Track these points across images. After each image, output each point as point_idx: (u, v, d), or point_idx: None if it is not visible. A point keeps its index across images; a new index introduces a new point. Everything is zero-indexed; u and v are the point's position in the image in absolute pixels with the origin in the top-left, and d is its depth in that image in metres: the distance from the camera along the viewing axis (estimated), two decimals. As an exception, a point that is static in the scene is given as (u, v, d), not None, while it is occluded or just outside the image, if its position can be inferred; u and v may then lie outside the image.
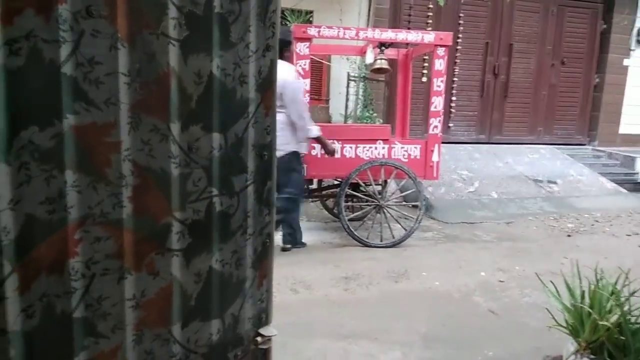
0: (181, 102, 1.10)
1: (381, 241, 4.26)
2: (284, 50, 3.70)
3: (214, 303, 1.23)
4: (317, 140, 4.00)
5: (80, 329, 1.03)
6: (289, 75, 3.66)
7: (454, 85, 7.36)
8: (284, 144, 3.60)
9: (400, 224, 4.37)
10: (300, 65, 4.11)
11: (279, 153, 3.67)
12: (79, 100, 0.97)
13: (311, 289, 3.28)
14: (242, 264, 1.28)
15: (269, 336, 1.35)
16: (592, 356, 1.92)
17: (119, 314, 1.07)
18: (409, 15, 6.89)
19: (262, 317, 1.36)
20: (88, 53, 0.97)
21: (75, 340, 1.03)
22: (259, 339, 1.34)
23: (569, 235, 4.81)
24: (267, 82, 1.27)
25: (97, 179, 1.00)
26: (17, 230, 0.93)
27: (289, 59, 3.87)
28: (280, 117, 3.59)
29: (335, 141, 4.17)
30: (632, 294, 1.95)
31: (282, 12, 6.45)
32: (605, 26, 7.91)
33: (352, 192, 4.27)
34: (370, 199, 4.34)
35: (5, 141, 0.90)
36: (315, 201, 5.47)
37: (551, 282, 2.20)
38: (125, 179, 1.03)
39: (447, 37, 4.28)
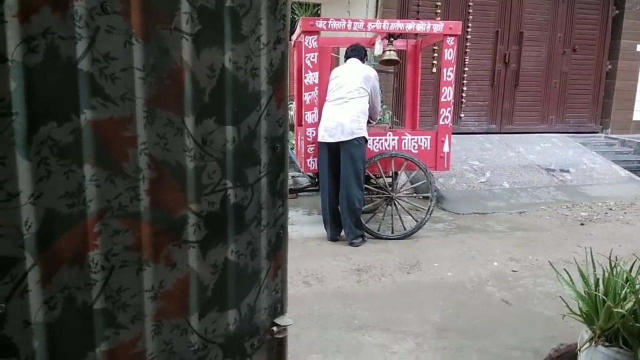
0: (195, 96, 1.11)
1: (392, 233, 4.26)
2: (365, 56, 4.37)
3: (230, 293, 1.25)
4: None
5: (100, 320, 1.05)
6: (372, 72, 4.17)
7: (464, 75, 7.31)
8: (358, 129, 3.92)
9: (411, 216, 4.37)
10: (308, 59, 4.11)
11: (352, 136, 3.86)
12: (96, 95, 0.98)
13: (323, 281, 3.30)
14: (256, 255, 1.29)
15: (285, 326, 1.36)
16: (606, 344, 1.91)
17: (138, 305, 1.09)
18: (418, 5, 6.84)
19: (278, 307, 1.37)
20: (103, 49, 0.98)
21: (96, 331, 1.05)
22: (274, 328, 1.35)
23: (582, 224, 4.77)
24: (279, 75, 1.28)
25: (115, 172, 1.02)
26: (38, 224, 0.95)
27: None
28: (361, 106, 3.91)
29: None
30: (647, 281, 1.94)
31: (291, 5, 6.43)
32: (617, 12, 7.79)
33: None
34: (380, 191, 4.34)
35: (25, 137, 0.92)
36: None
37: (565, 270, 2.20)
38: (142, 172, 1.05)
39: (456, 26, 4.25)
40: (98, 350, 1.06)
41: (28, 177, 0.93)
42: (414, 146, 4.38)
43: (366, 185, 4.22)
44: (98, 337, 1.06)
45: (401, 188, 4.53)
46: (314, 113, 4.21)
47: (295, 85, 4.98)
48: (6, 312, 0.94)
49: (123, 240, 1.05)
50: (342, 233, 4.15)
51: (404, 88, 5.92)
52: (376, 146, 4.30)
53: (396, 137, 4.35)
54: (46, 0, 0.93)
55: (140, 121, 1.03)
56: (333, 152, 4.01)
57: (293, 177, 5.82)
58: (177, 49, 1.07)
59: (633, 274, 2.00)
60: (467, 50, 7.27)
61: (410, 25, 4.29)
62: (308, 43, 4.09)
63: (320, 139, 4.07)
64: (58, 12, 0.94)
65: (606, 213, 5.16)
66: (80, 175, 0.98)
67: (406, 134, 4.43)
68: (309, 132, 4.23)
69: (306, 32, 4.09)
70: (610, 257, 2.07)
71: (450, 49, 4.26)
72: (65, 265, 0.99)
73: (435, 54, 6.64)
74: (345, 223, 4.05)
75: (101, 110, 0.99)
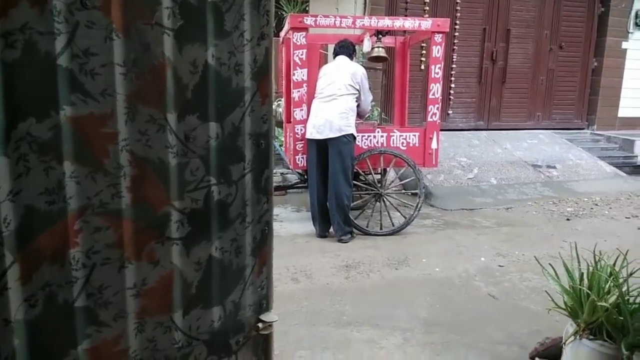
0: (177, 92, 1.11)
1: (381, 229, 4.28)
2: (353, 53, 4.35)
3: (215, 290, 1.24)
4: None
5: (82, 318, 1.05)
6: (360, 70, 4.15)
7: (452, 72, 7.34)
8: (346, 126, 3.91)
9: (399, 212, 4.38)
10: (297, 55, 4.10)
11: (340, 133, 3.86)
12: (76, 91, 0.97)
13: (312, 277, 3.31)
14: (241, 252, 1.29)
15: (270, 322, 1.36)
16: (591, 337, 1.94)
17: (120, 303, 1.08)
18: (406, 2, 6.84)
19: (263, 304, 1.37)
20: (83, 44, 0.97)
21: (78, 329, 1.05)
22: (260, 325, 1.35)
23: (568, 219, 4.83)
24: (263, 71, 1.27)
25: (96, 169, 1.01)
26: (18, 221, 0.94)
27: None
28: (350, 103, 3.93)
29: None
30: (630, 274, 1.97)
31: (278, 1, 6.41)
32: (602, 9, 7.87)
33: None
34: (369, 187, 4.35)
35: (3, 133, 0.91)
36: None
37: (550, 265, 2.22)
38: (123, 169, 1.04)
39: (444, 23, 4.27)
40: (80, 348, 1.05)
41: (6, 174, 0.92)
42: (403, 143, 4.40)
43: (355, 182, 4.23)
44: (80, 335, 1.05)
45: (390, 184, 4.54)
46: (302, 110, 4.20)
47: (283, 82, 4.97)
48: (-15, 311, 0.93)
49: (104, 237, 1.04)
50: (331, 230, 4.16)
51: (392, 85, 5.93)
52: (365, 143, 4.31)
53: (385, 134, 4.36)
54: (24, -6, 0.91)
55: (121, 117, 1.03)
56: (321, 149, 4.01)
57: (282, 174, 5.81)
58: (159, 44, 1.07)
59: (617, 268, 2.03)
60: (454, 47, 7.30)
61: (399, 22, 4.30)
62: (296, 40, 4.08)
63: (308, 136, 4.07)
64: (36, 7, 0.93)
65: (592, 208, 5.23)
66: (60, 172, 0.97)
67: (395, 130, 4.44)
68: (297, 129, 4.22)
69: (294, 29, 4.07)
70: (594, 251, 2.10)
71: (438, 46, 4.28)
72: (45, 263, 0.98)
73: (424, 51, 6.66)
74: (333, 220, 4.06)
75: (81, 106, 0.98)
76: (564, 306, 2.09)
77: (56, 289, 1.00)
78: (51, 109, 0.95)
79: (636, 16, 7.83)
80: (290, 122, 4.48)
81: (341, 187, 3.95)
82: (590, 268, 2.07)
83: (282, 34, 4.79)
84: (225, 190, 1.23)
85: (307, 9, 6.55)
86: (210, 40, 1.15)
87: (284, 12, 6.00)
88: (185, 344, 1.20)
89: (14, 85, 0.91)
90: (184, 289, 1.18)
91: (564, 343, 2.05)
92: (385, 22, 4.29)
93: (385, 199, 4.34)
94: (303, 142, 4.22)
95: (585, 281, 2.06)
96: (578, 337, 1.98)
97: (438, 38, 4.27)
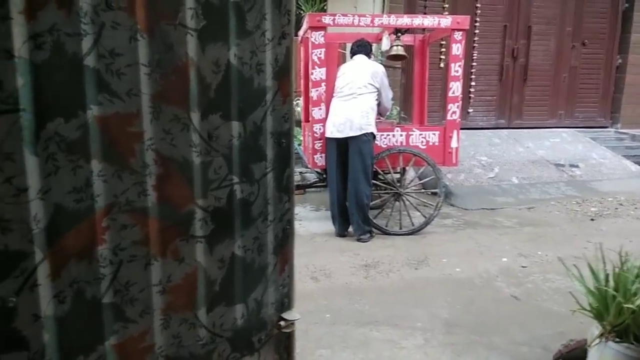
0: (200, 92, 1.12)
1: (400, 229, 4.25)
2: (370, 52, 4.35)
3: (238, 288, 1.25)
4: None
5: (109, 314, 1.07)
6: (380, 68, 4.14)
7: (473, 70, 7.26)
8: (366, 125, 3.90)
9: (419, 212, 4.35)
10: (316, 55, 4.10)
11: (360, 131, 3.84)
12: (102, 91, 0.99)
13: (331, 277, 3.31)
14: (263, 250, 1.30)
15: (292, 320, 1.37)
16: (617, 339, 1.90)
17: (146, 299, 1.10)
18: None
19: (285, 302, 1.38)
20: (109, 45, 0.99)
21: (105, 325, 1.07)
22: (282, 323, 1.36)
23: (592, 220, 4.73)
24: (284, 70, 1.28)
25: (122, 168, 1.03)
26: (47, 219, 0.96)
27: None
28: (370, 102, 3.90)
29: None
30: (658, 276, 1.92)
31: (297, 0, 6.42)
32: (627, 5, 7.68)
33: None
34: (388, 186, 4.33)
35: (32, 133, 0.93)
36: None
37: (574, 266, 2.18)
38: (148, 167, 1.06)
39: (464, 20, 4.22)
40: (107, 343, 1.07)
41: (36, 173, 0.94)
42: (422, 142, 4.36)
43: (374, 181, 4.21)
44: (107, 330, 1.07)
45: (409, 184, 4.51)
46: (321, 109, 4.20)
47: (302, 81, 4.98)
48: (16, 306, 0.95)
49: (131, 235, 1.06)
50: (350, 229, 4.15)
51: (411, 83, 5.89)
52: (384, 142, 4.29)
53: (404, 133, 4.34)
54: (52, -3, 0.93)
55: (146, 117, 1.04)
56: (341, 148, 4.01)
57: (301, 173, 5.82)
58: (182, 44, 1.08)
59: (643, 269, 1.98)
60: (475, 44, 7.21)
61: (418, 20, 4.27)
62: (315, 39, 4.09)
63: (328, 135, 4.06)
64: (64, 9, 0.94)
65: (616, 208, 5.11)
66: (87, 171, 0.99)
67: (414, 129, 4.41)
68: (316, 128, 4.22)
69: (313, 28, 4.08)
70: (620, 252, 2.05)
71: (458, 44, 4.23)
72: (74, 260, 1.00)
73: (443, 49, 6.60)
74: (353, 219, 4.05)
75: (108, 105, 1.00)
76: (588, 308, 2.05)
77: (84, 286, 1.02)
78: (79, 109, 0.97)
79: (663, 11, 7.62)
80: (308, 121, 4.48)
81: (361, 186, 3.93)
82: (616, 269, 2.03)
83: (300, 33, 4.79)
84: (248, 188, 1.24)
85: (325, 7, 6.55)
86: (233, 40, 1.16)
87: (302, 11, 6.01)
88: (209, 340, 1.22)
89: (43, 86, 0.94)
90: (208, 286, 1.19)
91: (589, 345, 2.01)
92: (405, 20, 4.27)
93: (404, 199, 4.31)
94: (322, 141, 4.22)
95: (611, 282, 2.01)
96: (604, 339, 1.94)
97: (458, 36, 4.22)
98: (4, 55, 0.88)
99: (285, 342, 1.39)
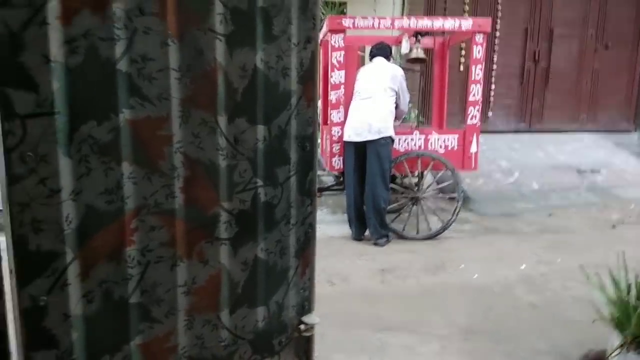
0: (227, 96, 1.13)
1: (417, 233, 4.23)
2: (390, 55, 4.34)
3: (260, 291, 1.26)
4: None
5: (136, 314, 1.08)
6: (399, 71, 4.11)
7: (493, 73, 7.18)
8: (385, 128, 3.89)
9: (437, 216, 4.32)
10: (335, 57, 4.11)
11: (379, 135, 3.83)
12: (134, 95, 1.01)
13: (348, 281, 3.30)
14: (285, 253, 1.31)
15: (312, 324, 1.37)
16: (638, 350, 1.86)
17: (171, 300, 1.11)
18: (445, 2, 6.75)
19: (305, 305, 1.38)
20: (141, 50, 1.01)
21: (132, 324, 1.08)
22: (302, 326, 1.37)
23: (613, 227, 4.64)
24: (309, 74, 1.29)
25: (152, 170, 1.04)
26: (79, 220, 0.98)
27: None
28: (389, 105, 3.92)
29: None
30: (684, 287, 1.88)
31: (317, 4, 6.43)
32: (653, 8, 7.54)
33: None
34: (406, 190, 4.31)
35: (66, 136, 0.95)
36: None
37: (596, 274, 2.14)
38: (177, 170, 1.07)
39: (485, 23, 4.18)
40: (133, 343, 1.09)
41: (69, 174, 0.96)
42: (441, 145, 4.33)
43: (392, 185, 4.19)
44: (133, 330, 1.09)
45: (427, 188, 4.49)
46: (339, 112, 4.20)
47: (321, 84, 4.99)
48: (47, 305, 0.97)
49: (158, 236, 1.07)
50: (367, 232, 4.14)
51: (430, 86, 5.86)
52: (402, 145, 4.27)
53: (423, 137, 4.31)
54: (86, 2, 0.96)
55: (175, 120, 1.06)
56: (359, 151, 4.00)
57: (318, 176, 5.83)
58: (211, 49, 1.09)
59: (668, 279, 1.95)
60: (495, 47, 7.14)
61: (439, 23, 4.25)
62: (334, 42, 4.09)
63: (346, 138, 4.06)
64: (98, 14, 0.97)
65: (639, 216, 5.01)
66: (118, 173, 1.01)
67: (433, 133, 4.38)
68: (334, 131, 4.23)
69: (333, 31, 4.08)
70: (644, 261, 2.02)
71: (479, 47, 4.20)
72: (103, 260, 1.02)
73: (463, 52, 6.55)
74: (370, 222, 4.04)
75: (139, 109, 1.02)
76: (609, 317, 2.02)
77: (112, 286, 1.04)
78: (111, 112, 0.99)
79: (690, 15, 7.46)
80: (327, 124, 4.49)
81: (378, 190, 3.92)
82: (638, 278, 1.99)
83: (319, 36, 4.80)
84: (271, 192, 1.25)
85: (344, 11, 6.55)
86: (259, 45, 1.18)
87: (322, 14, 6.02)
88: (231, 342, 1.23)
89: (77, 90, 0.96)
90: (231, 288, 1.20)
91: (609, 355, 1.97)
92: (425, 23, 4.25)
93: (422, 203, 4.28)
94: (340, 144, 4.22)
95: (634, 292, 1.98)
96: (624, 350, 1.90)
97: (479, 38, 4.19)
98: (41, 59, 0.90)
99: (304, 346, 1.39)
